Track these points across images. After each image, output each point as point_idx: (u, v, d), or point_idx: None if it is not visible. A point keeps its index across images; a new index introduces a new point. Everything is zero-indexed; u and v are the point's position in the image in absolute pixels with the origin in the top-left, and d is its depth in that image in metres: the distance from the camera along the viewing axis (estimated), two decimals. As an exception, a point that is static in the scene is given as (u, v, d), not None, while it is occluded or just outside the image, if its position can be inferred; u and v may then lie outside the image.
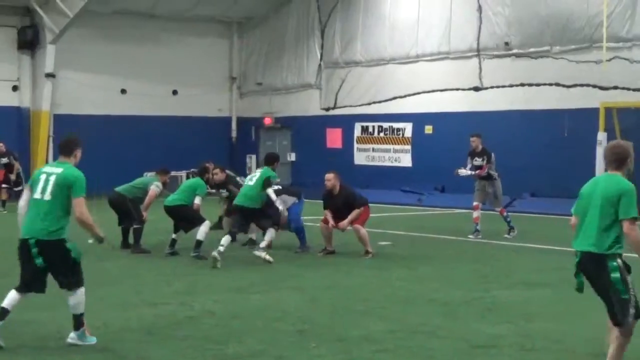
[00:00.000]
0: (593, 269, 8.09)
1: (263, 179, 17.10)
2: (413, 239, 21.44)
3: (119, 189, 19.03)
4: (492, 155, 21.63)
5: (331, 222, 17.79)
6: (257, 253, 16.86)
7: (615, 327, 8.15)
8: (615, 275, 7.93)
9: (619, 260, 7.98)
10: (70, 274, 9.89)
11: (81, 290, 9.97)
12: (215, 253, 16.31)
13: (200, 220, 17.70)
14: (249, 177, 18.12)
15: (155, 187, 18.66)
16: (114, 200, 18.99)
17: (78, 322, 10.00)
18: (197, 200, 17.84)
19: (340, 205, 17.84)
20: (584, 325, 11.11)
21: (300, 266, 16.56)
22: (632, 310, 7.97)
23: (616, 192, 8.01)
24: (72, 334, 10.01)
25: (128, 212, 18.66)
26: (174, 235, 18.03)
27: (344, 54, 37.01)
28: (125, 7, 36.78)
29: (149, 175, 21.48)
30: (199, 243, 17.45)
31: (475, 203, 21.53)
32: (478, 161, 21.52)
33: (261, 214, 17.26)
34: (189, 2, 37.63)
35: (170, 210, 18.04)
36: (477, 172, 21.42)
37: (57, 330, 10.66)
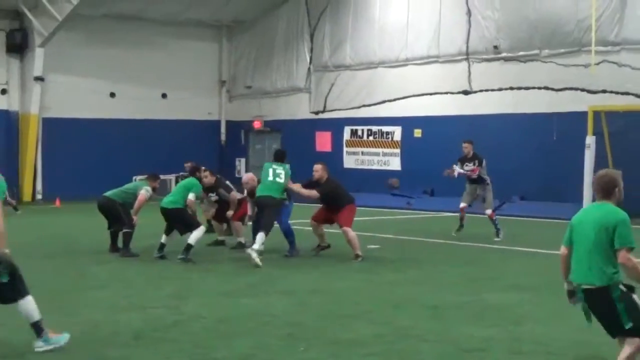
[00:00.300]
0: (599, 302, 7.89)
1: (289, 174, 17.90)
2: (402, 242, 21.44)
3: (108, 193, 18.97)
4: (484, 160, 21.87)
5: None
6: (249, 251, 16.97)
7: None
8: (620, 305, 7.76)
9: (621, 287, 7.82)
10: (6, 290, 9.66)
11: (25, 300, 9.77)
12: (253, 253, 16.62)
13: (195, 225, 17.68)
14: (269, 173, 17.93)
15: (145, 192, 18.61)
16: (103, 204, 18.94)
17: (37, 329, 9.87)
18: (191, 197, 17.80)
19: (324, 193, 18.01)
20: (572, 329, 11.11)
21: (289, 270, 16.55)
22: None
23: (613, 221, 7.79)
24: (37, 342, 9.89)
25: (118, 216, 18.63)
26: (163, 239, 17.97)
27: (334, 57, 37.02)
28: (114, 11, 36.73)
29: (138, 179, 21.43)
30: (189, 247, 17.40)
31: (462, 204, 21.72)
32: (469, 166, 21.86)
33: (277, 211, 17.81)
34: (179, 6, 37.60)
35: (167, 213, 17.99)
36: (469, 172, 21.81)
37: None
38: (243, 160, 40.55)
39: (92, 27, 36.64)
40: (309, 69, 38.05)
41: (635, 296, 7.84)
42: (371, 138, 35.74)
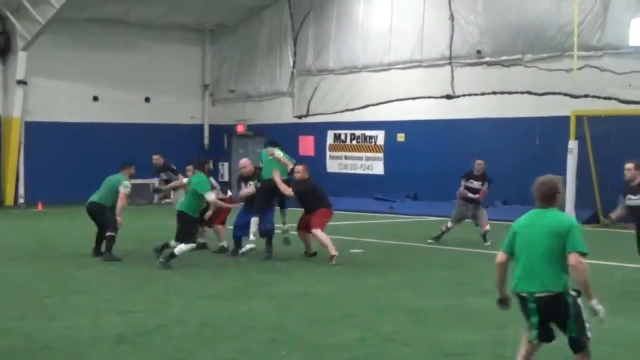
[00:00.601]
0: (553, 309, 7.81)
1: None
2: (385, 246, 21.45)
3: (94, 198, 18.82)
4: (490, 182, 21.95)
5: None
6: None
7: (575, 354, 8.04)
8: (574, 311, 7.79)
9: (572, 293, 7.79)
10: None
11: None
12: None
13: (189, 240, 17.25)
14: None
15: (124, 189, 18.50)
16: (92, 210, 18.81)
17: None
18: (211, 197, 17.53)
19: (303, 192, 18.24)
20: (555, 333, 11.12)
21: (271, 274, 16.53)
22: (589, 334, 7.92)
23: (566, 226, 7.77)
24: None
25: (105, 220, 18.54)
26: (173, 242, 17.48)
27: (317, 61, 37.03)
28: (98, 14, 36.65)
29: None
30: (172, 256, 17.11)
31: (449, 224, 21.60)
32: (475, 184, 21.58)
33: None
34: (162, 10, 37.55)
35: (179, 215, 17.51)
36: (477, 195, 21.51)
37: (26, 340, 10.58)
38: (226, 164, 40.50)
39: (75, 31, 36.54)
40: (292, 73, 38.05)
41: (580, 301, 7.83)
42: (354, 142, 35.74)
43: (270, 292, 14.41)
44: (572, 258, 7.66)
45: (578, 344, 7.91)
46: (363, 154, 35.44)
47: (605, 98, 27.92)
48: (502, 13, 30.73)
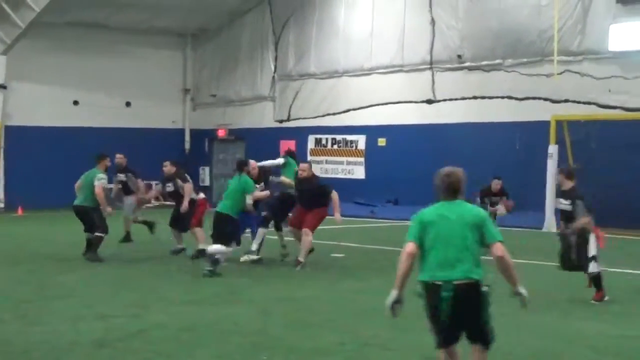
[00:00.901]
0: (470, 296, 7.70)
1: None
2: (366, 251, 21.47)
3: (77, 201, 18.87)
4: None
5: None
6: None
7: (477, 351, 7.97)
8: (487, 302, 7.78)
9: (484, 288, 7.77)
10: None
11: None
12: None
13: (228, 242, 17.05)
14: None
15: (98, 183, 18.58)
16: (77, 211, 18.91)
17: None
18: (249, 200, 17.49)
19: (306, 190, 18.20)
20: (530, 337, 11.19)
21: (252, 278, 16.53)
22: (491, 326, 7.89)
23: (480, 217, 7.80)
24: None
25: (92, 222, 18.61)
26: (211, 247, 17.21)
27: (298, 66, 37.06)
28: (78, 19, 36.54)
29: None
30: (216, 262, 16.75)
31: None
32: (493, 199, 22.73)
33: None
34: (143, 14, 37.48)
35: (219, 218, 17.37)
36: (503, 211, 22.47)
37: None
38: (207, 168, 40.49)
39: (55, 35, 36.43)
40: (273, 77, 38.06)
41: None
42: (335, 147, 35.77)
43: (251, 296, 14.42)
44: (497, 248, 7.70)
45: (488, 336, 7.88)
46: (344, 159, 35.47)
47: (585, 103, 28.06)
48: (482, 18, 30.83)
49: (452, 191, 7.90)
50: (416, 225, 7.89)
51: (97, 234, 18.50)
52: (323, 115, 36.10)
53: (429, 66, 32.48)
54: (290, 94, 37.42)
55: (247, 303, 13.76)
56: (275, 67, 37.95)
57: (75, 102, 37.83)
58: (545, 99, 29.04)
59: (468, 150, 30.05)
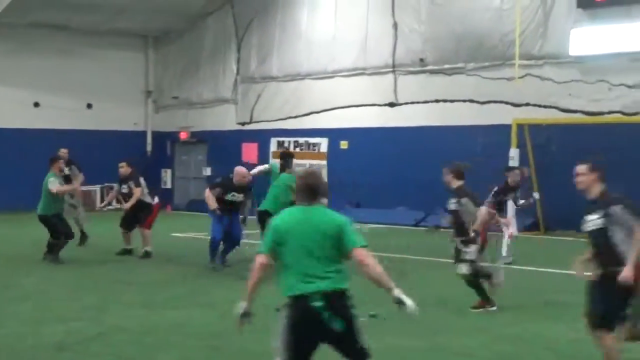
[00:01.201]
0: (339, 305, 7.14)
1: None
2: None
3: (38, 210, 18.93)
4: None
5: None
6: None
7: None
8: (351, 308, 7.22)
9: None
10: None
11: None
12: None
13: None
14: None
15: (52, 185, 18.59)
16: (40, 219, 18.95)
17: None
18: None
19: None
20: (491, 339, 11.24)
21: (210, 282, 16.50)
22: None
23: (340, 222, 7.15)
24: None
25: (55, 228, 18.60)
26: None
27: (260, 68, 37.02)
28: (40, 20, 36.29)
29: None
30: None
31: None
32: (513, 195, 19.87)
33: None
34: (105, 16, 37.27)
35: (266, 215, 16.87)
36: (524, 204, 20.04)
37: None
38: (169, 171, 40.37)
39: (16, 36, 36.18)
40: (235, 80, 37.99)
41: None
42: (297, 149, 35.74)
43: (210, 300, 14.39)
44: (358, 254, 7.08)
45: (366, 350, 7.26)
46: (306, 162, 35.38)
47: (545, 107, 28.20)
48: (445, 22, 30.93)
49: (311, 194, 7.30)
50: (270, 233, 7.32)
51: (61, 238, 18.54)
52: (285, 118, 36.08)
53: (391, 69, 32.55)
54: (252, 96, 37.38)
55: (206, 306, 13.74)
56: (238, 69, 37.89)
57: (36, 104, 37.55)
58: (507, 103, 29.17)
59: (430, 154, 30.14)
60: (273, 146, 36.57)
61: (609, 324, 8.45)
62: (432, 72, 31.47)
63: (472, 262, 13.47)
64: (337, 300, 7.09)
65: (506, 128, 28.04)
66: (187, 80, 39.84)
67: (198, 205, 37.94)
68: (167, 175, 40.02)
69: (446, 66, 30.98)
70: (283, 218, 7.36)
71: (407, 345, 10.85)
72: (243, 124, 37.66)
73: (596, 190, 8.47)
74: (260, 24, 36.87)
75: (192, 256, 18.88)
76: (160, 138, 40.93)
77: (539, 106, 28.39)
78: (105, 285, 15.92)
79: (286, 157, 18.96)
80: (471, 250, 13.50)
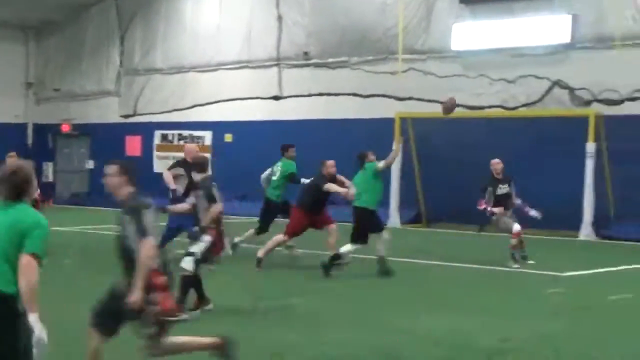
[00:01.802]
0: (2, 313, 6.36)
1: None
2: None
3: None
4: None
5: None
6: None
7: None
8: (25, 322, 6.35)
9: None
10: None
11: None
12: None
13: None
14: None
15: None
16: None
17: None
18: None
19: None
20: (367, 332, 11.32)
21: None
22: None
23: (31, 223, 6.44)
24: None
25: None
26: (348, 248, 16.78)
27: (144, 61, 36.68)
28: None
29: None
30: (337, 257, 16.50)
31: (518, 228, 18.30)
32: (503, 189, 18.41)
33: None
34: (-18, 6, 36.58)
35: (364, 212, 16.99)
36: (525, 208, 18.64)
37: None
38: (51, 164, 39.75)
39: None
40: (119, 72, 37.59)
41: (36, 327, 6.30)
42: (182, 142, 35.51)
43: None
44: (27, 259, 6.32)
45: None
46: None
47: (428, 101, 28.51)
48: (329, 15, 31.07)
49: (15, 190, 6.59)
50: None
51: None
52: (170, 111, 35.83)
53: (275, 62, 32.59)
54: (136, 89, 37.02)
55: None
56: (121, 61, 37.49)
57: None
58: (390, 97, 29.45)
59: (315, 147, 30.20)
60: (157, 139, 36.29)
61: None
62: (316, 65, 31.59)
63: (193, 254, 12.53)
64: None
65: (389, 122, 28.31)
66: (69, 72, 39.26)
67: (80, 199, 37.48)
68: (48, 168, 39.39)
69: (330, 60, 31.14)
70: None
71: (289, 339, 10.85)
72: (126, 116, 37.27)
73: (124, 191, 8.17)
74: (144, 16, 36.53)
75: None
76: (42, 130, 40.27)
77: (422, 100, 28.71)
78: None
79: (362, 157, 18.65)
80: (200, 246, 12.67)
